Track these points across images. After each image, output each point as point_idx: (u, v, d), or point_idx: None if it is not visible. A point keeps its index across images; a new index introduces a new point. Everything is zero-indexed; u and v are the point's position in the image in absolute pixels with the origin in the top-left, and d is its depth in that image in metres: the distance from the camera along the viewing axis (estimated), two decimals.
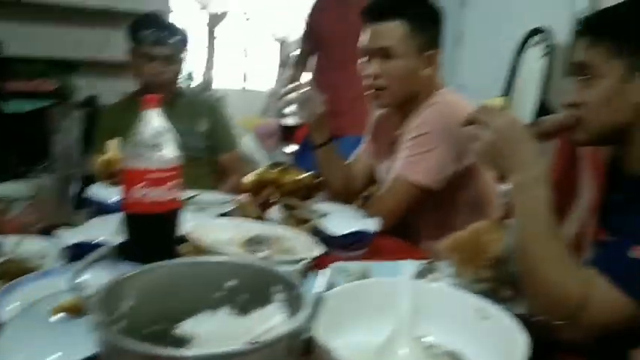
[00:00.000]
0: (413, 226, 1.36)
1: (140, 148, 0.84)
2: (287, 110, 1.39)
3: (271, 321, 0.62)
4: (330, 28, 2.26)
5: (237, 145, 1.99)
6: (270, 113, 2.44)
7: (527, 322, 0.75)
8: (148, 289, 0.64)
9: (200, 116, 1.84)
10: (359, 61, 1.35)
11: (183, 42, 1.76)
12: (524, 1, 4.03)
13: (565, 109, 0.95)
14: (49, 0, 2.28)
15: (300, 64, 2.48)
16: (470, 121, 0.91)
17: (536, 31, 3.80)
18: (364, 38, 1.32)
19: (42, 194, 1.10)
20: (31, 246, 0.99)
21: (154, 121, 0.85)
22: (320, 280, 0.61)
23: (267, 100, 3.26)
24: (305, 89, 1.36)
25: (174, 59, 1.71)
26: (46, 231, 1.07)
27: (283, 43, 3.57)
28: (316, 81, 2.29)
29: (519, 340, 0.62)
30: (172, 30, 1.72)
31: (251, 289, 0.67)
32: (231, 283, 0.68)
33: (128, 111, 1.77)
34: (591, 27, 0.89)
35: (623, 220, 0.84)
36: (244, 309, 0.66)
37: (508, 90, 4.01)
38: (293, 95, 1.37)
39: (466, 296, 0.76)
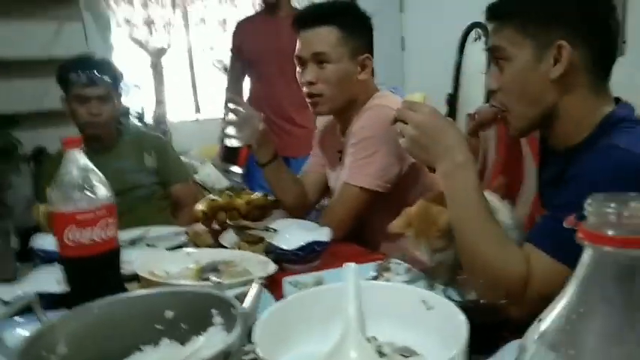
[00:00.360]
0: (369, 229, 1.36)
1: (66, 190, 0.82)
2: (228, 132, 1.37)
3: (212, 344, 0.60)
4: (262, 47, 2.25)
5: (188, 176, 1.97)
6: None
7: (476, 306, 0.77)
8: (81, 332, 0.62)
9: (147, 152, 1.82)
10: (297, 70, 1.36)
11: (115, 80, 1.74)
12: None
13: (491, 98, 0.96)
14: None
15: (233, 85, 2.44)
16: (395, 120, 0.92)
17: (474, 26, 3.92)
18: (298, 47, 1.33)
19: None
20: None
21: (78, 161, 0.83)
22: (252, 296, 0.60)
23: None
24: (242, 110, 1.36)
25: (108, 98, 1.69)
26: None
27: (227, 69, 3.58)
28: (254, 100, 2.29)
29: (461, 325, 0.62)
30: (103, 69, 1.70)
31: (190, 315, 0.66)
32: (169, 313, 0.66)
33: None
34: (497, 11, 0.90)
35: (554, 195, 0.86)
36: (186, 337, 0.65)
37: (456, 86, 4.11)
38: (231, 117, 1.36)
39: (411, 289, 0.76)
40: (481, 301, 0.77)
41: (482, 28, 3.88)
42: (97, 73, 1.65)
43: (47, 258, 1.12)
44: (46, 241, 1.15)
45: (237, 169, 1.37)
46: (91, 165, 0.85)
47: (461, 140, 0.87)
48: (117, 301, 0.66)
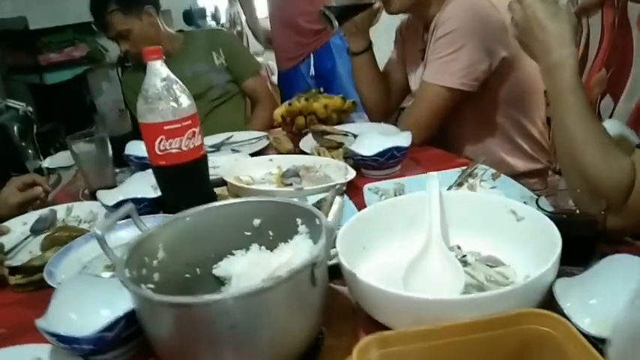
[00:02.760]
0: (453, 132, 1.30)
1: (152, 102, 0.83)
2: None
3: (299, 252, 0.62)
4: None
5: (259, 68, 1.96)
6: None
7: (572, 217, 0.73)
8: (177, 239, 0.66)
9: (215, 51, 1.82)
10: None
11: (128, 8, 1.68)
12: None
13: None
14: None
15: None
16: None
17: None
18: None
19: (82, 157, 1.15)
20: (80, 211, 1.05)
21: (160, 72, 0.84)
22: (335, 209, 0.61)
23: None
24: None
25: (126, 32, 1.68)
26: (94, 195, 1.13)
27: None
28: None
29: (554, 238, 0.59)
30: (112, 4, 1.65)
31: (277, 224, 0.68)
32: (257, 221, 0.69)
33: (143, 71, 1.79)
34: None
35: None
36: (273, 243, 0.67)
37: None
38: None
39: (500, 200, 0.73)
40: (577, 211, 0.73)
41: None
42: (101, 18, 1.66)
43: (141, 164, 1.19)
44: (139, 148, 1.22)
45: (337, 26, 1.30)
46: (172, 75, 0.85)
47: (562, 35, 0.79)
48: (207, 210, 0.69)
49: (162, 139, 0.84)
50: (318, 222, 0.61)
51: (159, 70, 0.84)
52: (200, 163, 0.90)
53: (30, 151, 1.61)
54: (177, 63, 1.76)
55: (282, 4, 2.09)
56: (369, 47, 1.38)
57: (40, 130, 1.97)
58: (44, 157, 1.84)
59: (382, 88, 1.44)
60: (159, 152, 0.86)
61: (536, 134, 1.30)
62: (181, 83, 0.86)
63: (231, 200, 0.77)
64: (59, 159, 1.68)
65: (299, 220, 0.65)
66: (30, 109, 1.72)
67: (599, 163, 0.75)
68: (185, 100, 0.86)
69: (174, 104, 0.84)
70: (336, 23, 1.28)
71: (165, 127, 0.84)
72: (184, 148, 0.86)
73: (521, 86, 1.23)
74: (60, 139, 2.17)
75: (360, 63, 1.39)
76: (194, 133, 0.87)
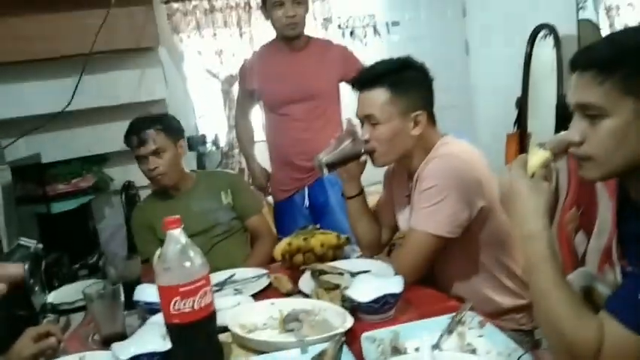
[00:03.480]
0: (441, 271, 1.40)
1: (169, 266, 0.93)
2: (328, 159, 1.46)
3: None
4: (287, 91, 2.24)
5: (261, 206, 2.09)
6: None
7: None
8: None
9: (223, 190, 1.95)
10: None
11: (170, 131, 1.87)
12: (522, 0, 4.06)
13: (572, 148, 0.90)
14: (82, 106, 2.48)
15: (242, 119, 2.49)
16: None
17: (541, 27, 3.82)
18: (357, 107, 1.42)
19: (95, 305, 1.21)
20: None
21: (179, 240, 0.95)
22: None
23: None
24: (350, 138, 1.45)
25: (162, 151, 1.83)
26: (104, 341, 1.19)
27: None
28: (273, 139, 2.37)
29: None
30: (152, 124, 1.84)
31: None
32: None
33: (153, 207, 1.93)
34: (589, 63, 0.84)
35: (638, 255, 0.85)
36: None
37: (525, 89, 4.01)
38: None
39: None
40: None
41: (549, 29, 3.77)
42: (144, 133, 1.81)
43: (150, 309, 1.26)
44: (147, 293, 1.30)
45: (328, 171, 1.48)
46: (189, 241, 0.96)
47: (534, 210, 0.89)
48: None
49: (177, 300, 0.93)
50: None
51: (177, 238, 0.95)
52: (210, 319, 0.98)
53: (37, 287, 1.67)
54: (187, 199, 1.90)
55: (280, 146, 2.29)
56: (361, 192, 1.53)
57: (46, 261, 2.04)
58: (49, 289, 1.88)
59: (374, 227, 1.57)
60: (173, 312, 0.94)
61: (519, 272, 1.40)
62: (196, 247, 0.97)
63: None
64: (64, 294, 1.73)
65: None
66: (40, 246, 1.80)
67: (574, 329, 0.81)
68: (198, 261, 0.96)
69: (189, 267, 0.94)
70: (326, 171, 1.47)
71: (181, 289, 0.93)
72: (196, 307, 0.94)
73: (500, 230, 1.36)
74: (64, 269, 2.23)
75: (353, 206, 1.54)
76: (206, 292, 0.96)
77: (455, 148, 1.36)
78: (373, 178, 1.68)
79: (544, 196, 0.92)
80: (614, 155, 0.84)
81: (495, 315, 1.31)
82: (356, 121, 1.48)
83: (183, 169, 1.94)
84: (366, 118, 1.39)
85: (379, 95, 1.36)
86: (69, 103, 2.40)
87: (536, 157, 0.96)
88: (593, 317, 0.83)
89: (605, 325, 0.81)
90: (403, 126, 1.36)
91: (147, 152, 1.82)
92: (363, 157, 1.45)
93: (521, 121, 4.00)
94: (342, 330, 1.05)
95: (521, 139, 3.98)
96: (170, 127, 1.89)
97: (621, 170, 0.87)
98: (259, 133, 2.57)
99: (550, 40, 3.77)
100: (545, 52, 3.78)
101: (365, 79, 1.40)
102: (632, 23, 3.87)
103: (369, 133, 1.39)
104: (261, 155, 2.51)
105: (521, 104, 4.01)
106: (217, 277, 1.51)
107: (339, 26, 4.36)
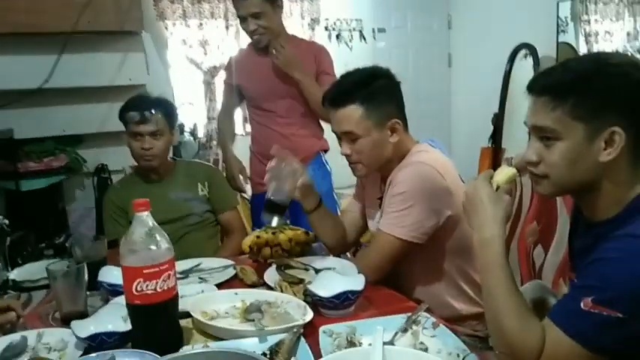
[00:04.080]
0: (404, 275, 1.44)
1: (135, 248, 0.95)
2: (272, 186, 1.41)
3: None
4: (262, 88, 2.29)
5: (236, 203, 2.10)
6: None
7: None
8: None
9: (200, 182, 1.96)
10: None
11: (169, 116, 1.88)
12: (507, 18, 4.15)
13: (529, 166, 0.96)
14: (60, 85, 2.45)
15: (225, 116, 2.50)
16: None
17: (522, 46, 3.92)
18: (332, 123, 1.44)
19: (58, 283, 1.21)
20: (51, 338, 1.10)
21: (147, 223, 0.96)
22: None
23: None
24: (284, 165, 1.43)
25: (160, 134, 1.83)
26: (65, 319, 1.19)
27: None
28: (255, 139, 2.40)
29: None
30: (157, 106, 1.84)
31: None
32: None
33: (129, 189, 1.92)
34: (544, 89, 0.89)
35: (582, 269, 0.90)
36: None
37: (502, 106, 4.10)
38: (275, 172, 1.42)
39: (432, 358, 0.85)
40: None
41: (529, 49, 3.88)
42: (149, 112, 1.80)
43: (113, 291, 1.26)
44: (111, 275, 1.30)
45: (278, 221, 1.43)
46: (156, 225, 0.97)
47: (495, 217, 0.95)
48: (180, 357, 0.78)
49: (140, 282, 0.94)
50: None
51: (145, 221, 0.96)
52: (171, 303, 0.99)
53: None
54: (165, 186, 1.91)
55: (264, 139, 2.31)
56: (320, 203, 1.53)
57: (12, 238, 2.01)
58: (12, 266, 1.86)
59: (338, 232, 1.59)
60: (135, 292, 0.95)
61: (479, 280, 1.45)
62: (162, 231, 0.98)
63: (200, 349, 0.85)
64: (27, 271, 1.71)
65: None
66: (6, 222, 1.78)
67: (517, 330, 0.87)
68: (164, 245, 0.98)
69: (154, 250, 0.95)
70: (275, 219, 1.41)
71: (145, 271, 0.94)
72: (159, 290, 0.96)
73: (464, 239, 1.39)
74: (29, 247, 2.21)
75: (315, 218, 1.53)
76: (169, 275, 0.97)
77: (428, 156, 1.40)
78: (350, 181, 1.70)
79: (503, 206, 0.99)
80: (567, 175, 0.91)
81: (452, 320, 1.35)
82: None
83: (167, 156, 1.95)
84: (343, 135, 1.41)
85: (353, 112, 1.37)
86: (46, 80, 2.38)
87: (503, 172, 1.03)
88: (536, 323, 0.88)
89: (547, 331, 0.86)
90: (381, 136, 1.39)
91: (146, 131, 1.81)
92: (300, 181, 1.43)
93: (496, 136, 4.10)
94: (301, 322, 1.07)
95: (494, 155, 4.07)
96: (171, 113, 1.91)
97: (573, 189, 0.94)
98: (239, 127, 2.59)
99: (530, 59, 3.88)
100: (524, 70, 3.88)
101: (336, 96, 1.40)
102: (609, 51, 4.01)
103: (350, 148, 1.41)
104: (241, 149, 2.52)
105: (498, 120, 4.10)
106: (183, 264, 1.51)
107: (326, 28, 4.40)
